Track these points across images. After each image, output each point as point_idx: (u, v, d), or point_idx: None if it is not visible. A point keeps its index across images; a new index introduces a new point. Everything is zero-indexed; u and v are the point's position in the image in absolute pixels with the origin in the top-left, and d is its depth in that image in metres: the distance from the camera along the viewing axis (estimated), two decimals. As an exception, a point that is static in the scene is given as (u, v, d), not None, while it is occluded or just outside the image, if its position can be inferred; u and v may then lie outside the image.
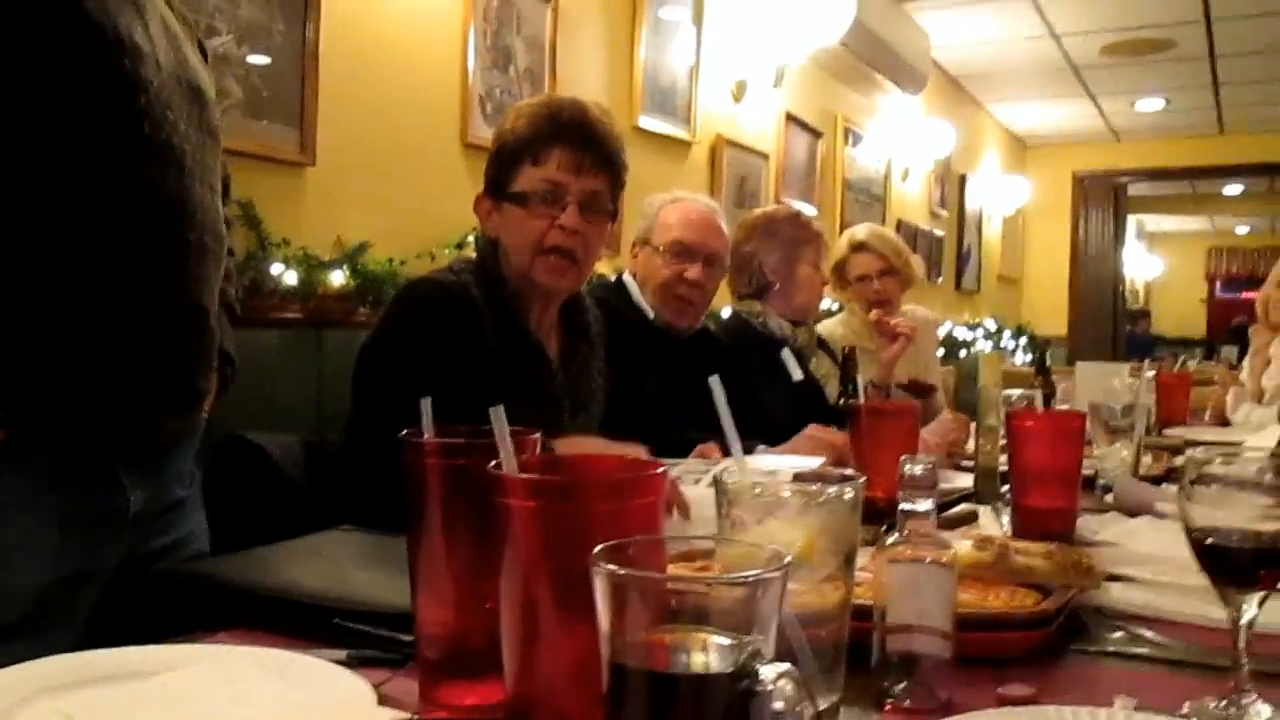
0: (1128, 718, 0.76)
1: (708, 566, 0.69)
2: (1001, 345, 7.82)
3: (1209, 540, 0.79)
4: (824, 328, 3.47)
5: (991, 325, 7.83)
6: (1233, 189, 12.18)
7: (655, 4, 3.68)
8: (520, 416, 1.66)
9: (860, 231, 3.37)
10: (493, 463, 0.67)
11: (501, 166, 1.69)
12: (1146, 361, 3.25)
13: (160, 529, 1.35)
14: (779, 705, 0.47)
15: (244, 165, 2.28)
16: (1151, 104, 7.78)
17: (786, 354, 2.74)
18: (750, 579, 0.48)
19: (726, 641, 0.49)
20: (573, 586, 0.61)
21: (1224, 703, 0.81)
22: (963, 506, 1.63)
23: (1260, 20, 5.79)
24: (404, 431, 0.83)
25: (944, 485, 2.02)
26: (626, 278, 2.42)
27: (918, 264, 3.47)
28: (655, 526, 0.65)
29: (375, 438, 1.50)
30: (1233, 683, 0.81)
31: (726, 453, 1.02)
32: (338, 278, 2.37)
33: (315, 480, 1.71)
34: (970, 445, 2.34)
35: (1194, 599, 1.08)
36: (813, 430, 2.02)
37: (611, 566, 0.49)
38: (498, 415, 0.66)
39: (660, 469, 0.64)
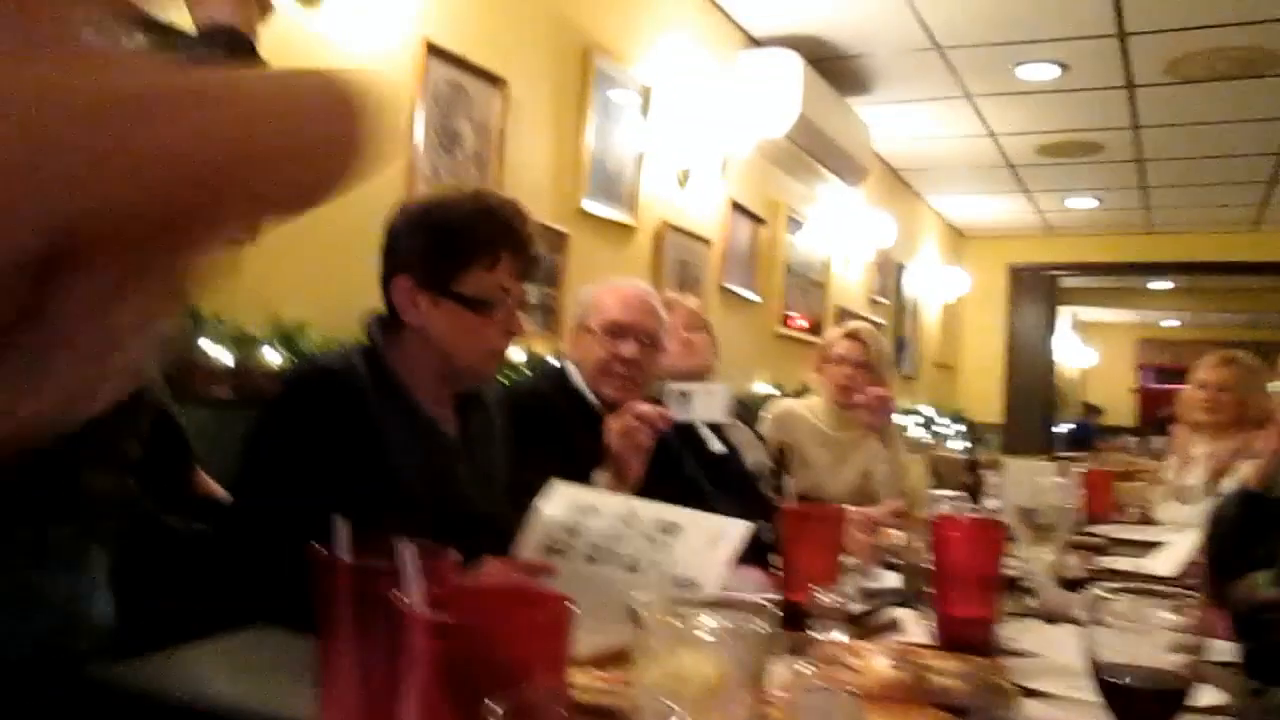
0: None
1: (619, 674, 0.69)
2: (936, 431, 7.94)
3: (1109, 679, 0.81)
4: (785, 405, 3.60)
5: (929, 411, 7.94)
6: (1160, 284, 12.59)
7: (604, 92, 3.76)
8: (416, 491, 1.66)
9: (859, 324, 3.73)
10: (399, 594, 0.67)
11: (446, 260, 1.69)
12: (1073, 465, 3.34)
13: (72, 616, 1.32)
14: None
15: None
16: (1083, 202, 8.05)
17: (700, 426, 2.78)
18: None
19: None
20: (471, 717, 0.61)
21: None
22: (886, 614, 1.63)
23: (1184, 129, 6.06)
24: (316, 545, 0.82)
25: (872, 584, 2.05)
26: (569, 365, 2.45)
27: (890, 381, 3.67)
28: (560, 663, 0.65)
29: (259, 530, 1.51)
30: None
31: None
32: (272, 357, 2.35)
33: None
34: (896, 539, 2.38)
35: (1104, 714, 1.10)
36: None
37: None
38: (407, 549, 0.66)
39: (566, 609, 0.65)
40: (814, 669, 0.84)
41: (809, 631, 0.84)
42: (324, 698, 0.83)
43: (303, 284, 2.58)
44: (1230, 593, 2.96)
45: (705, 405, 2.26)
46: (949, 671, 1.11)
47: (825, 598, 0.83)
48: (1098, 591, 0.84)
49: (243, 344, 2.31)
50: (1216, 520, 2.76)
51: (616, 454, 2.10)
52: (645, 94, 4.00)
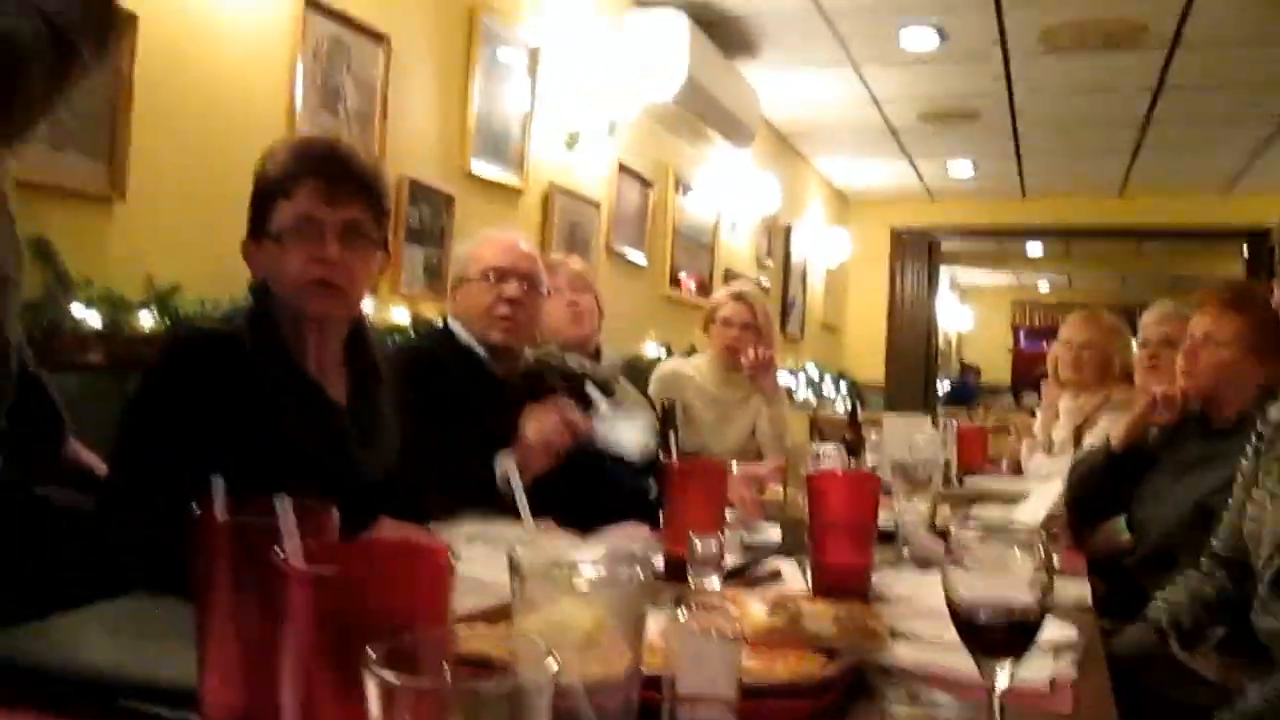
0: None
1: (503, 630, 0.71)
2: (822, 392, 8.13)
3: (963, 613, 0.86)
4: (672, 364, 3.65)
5: (815, 371, 8.12)
6: (1035, 248, 13.06)
7: (490, 51, 3.71)
8: (301, 457, 1.65)
9: (745, 286, 3.80)
10: (277, 549, 0.67)
11: (258, 207, 1.68)
12: (946, 420, 3.47)
13: None
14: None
15: (42, 199, 2.17)
16: (962, 167, 8.29)
17: (590, 388, 2.81)
18: (513, 688, 0.50)
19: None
20: (352, 674, 0.62)
21: (980, 762, 0.88)
22: (768, 565, 1.69)
23: (1055, 97, 6.28)
24: (194, 507, 0.82)
25: (755, 538, 2.11)
26: (453, 323, 2.43)
27: (774, 341, 3.73)
28: (441, 616, 0.66)
29: (137, 496, 1.48)
30: (989, 743, 0.89)
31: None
32: (146, 320, 2.28)
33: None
34: (778, 494, 2.45)
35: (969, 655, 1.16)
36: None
37: (382, 671, 0.50)
38: (283, 502, 0.66)
39: (444, 560, 0.66)
40: (691, 616, 0.87)
41: (690, 578, 0.87)
42: (203, 659, 0.83)
43: (178, 246, 2.50)
44: (1089, 539, 3.13)
45: (628, 434, 2.33)
46: (823, 616, 1.16)
47: (702, 545, 0.86)
48: (956, 533, 0.89)
49: (115, 307, 2.23)
50: (1079, 473, 2.91)
51: (530, 447, 2.13)
52: (532, 54, 3.96)
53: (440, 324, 2.71)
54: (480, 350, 2.37)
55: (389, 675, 0.50)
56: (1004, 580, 0.87)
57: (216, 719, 0.81)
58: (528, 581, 0.79)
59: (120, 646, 1.09)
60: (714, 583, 0.87)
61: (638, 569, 0.80)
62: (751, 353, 3.41)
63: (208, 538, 0.81)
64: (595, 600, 0.79)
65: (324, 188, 1.64)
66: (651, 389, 3.49)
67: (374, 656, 0.52)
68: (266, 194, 1.66)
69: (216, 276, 2.52)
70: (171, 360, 1.64)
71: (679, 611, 0.88)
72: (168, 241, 2.48)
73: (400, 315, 3.19)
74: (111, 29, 1.33)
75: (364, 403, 1.78)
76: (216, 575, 0.80)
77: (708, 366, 3.57)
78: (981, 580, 0.88)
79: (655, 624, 0.90)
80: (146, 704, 0.92)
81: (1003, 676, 0.88)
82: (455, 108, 3.56)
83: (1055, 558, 2.01)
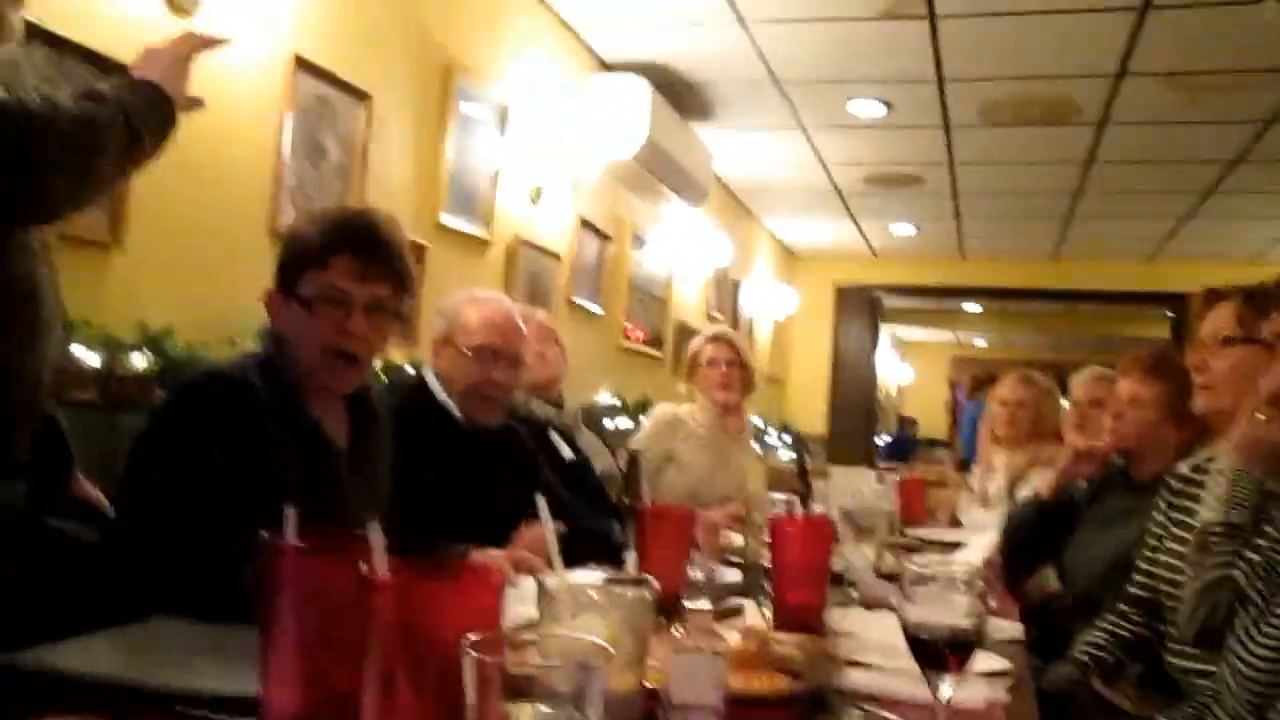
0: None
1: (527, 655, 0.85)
2: (767, 442, 8.33)
3: (915, 632, 1.03)
4: (669, 410, 3.76)
5: (759, 422, 8.32)
6: (972, 307, 13.49)
7: (463, 111, 3.88)
8: (304, 500, 1.78)
9: (718, 328, 3.83)
10: (364, 566, 0.81)
11: (290, 267, 1.79)
12: (890, 474, 3.67)
13: None
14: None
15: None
16: (904, 229, 8.62)
17: (554, 435, 2.93)
18: (584, 664, 0.65)
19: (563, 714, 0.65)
20: (424, 664, 0.76)
21: (926, 762, 1.04)
22: (731, 601, 1.83)
23: (994, 167, 6.62)
24: (265, 534, 0.95)
25: (715, 579, 2.26)
26: (429, 377, 2.48)
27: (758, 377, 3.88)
28: (494, 621, 0.80)
29: (154, 526, 1.58)
30: (933, 746, 1.05)
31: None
32: (139, 361, 2.38)
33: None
34: (738, 541, 2.60)
35: (912, 681, 1.33)
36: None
37: (481, 654, 0.65)
38: (373, 528, 0.80)
39: (499, 576, 0.81)
40: (685, 634, 1.02)
41: (682, 600, 1.02)
42: (266, 668, 0.95)
43: (171, 290, 2.61)
44: (1024, 586, 3.33)
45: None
46: (788, 644, 1.32)
47: (696, 571, 1.01)
48: (908, 569, 1.05)
49: (110, 348, 2.34)
50: (1013, 524, 3.12)
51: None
52: (502, 113, 4.14)
53: (413, 371, 2.82)
54: (455, 410, 2.44)
55: (486, 658, 0.65)
56: (947, 608, 1.04)
57: (278, 715, 0.94)
58: (554, 600, 0.94)
59: (160, 660, 1.21)
60: (704, 605, 1.02)
61: (643, 590, 0.96)
62: (720, 395, 3.57)
63: (279, 559, 0.94)
64: (610, 614, 0.94)
65: (358, 264, 1.76)
66: (646, 433, 3.61)
67: (471, 644, 0.66)
68: (301, 257, 1.78)
69: (203, 320, 2.64)
70: (182, 399, 1.75)
71: (674, 629, 1.03)
72: (160, 287, 2.59)
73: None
74: (173, 126, 1.48)
75: (362, 446, 1.90)
76: (285, 593, 0.94)
77: (701, 414, 3.68)
78: (928, 608, 1.04)
79: (655, 645, 1.05)
80: (200, 710, 1.04)
81: (946, 688, 1.04)
82: (429, 163, 3.72)
83: (989, 594, 2.20)
